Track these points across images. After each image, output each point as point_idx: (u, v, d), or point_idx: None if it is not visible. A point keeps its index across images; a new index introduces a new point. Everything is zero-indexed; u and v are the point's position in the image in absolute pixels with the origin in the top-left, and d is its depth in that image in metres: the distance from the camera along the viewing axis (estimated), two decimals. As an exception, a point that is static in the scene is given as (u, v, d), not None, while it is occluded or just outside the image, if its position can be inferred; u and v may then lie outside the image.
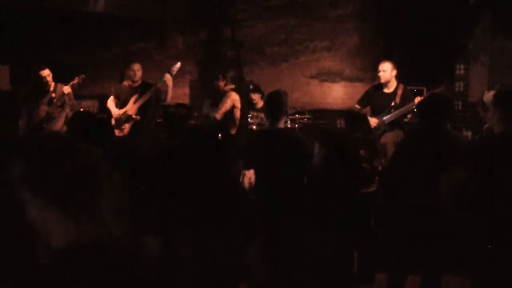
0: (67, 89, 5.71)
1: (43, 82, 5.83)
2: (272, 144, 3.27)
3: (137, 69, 5.55)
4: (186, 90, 7.58)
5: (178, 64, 5.60)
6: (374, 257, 3.44)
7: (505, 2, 5.94)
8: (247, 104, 5.95)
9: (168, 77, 5.42)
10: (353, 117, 3.79)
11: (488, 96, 3.85)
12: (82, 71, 6.07)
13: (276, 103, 3.33)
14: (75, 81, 5.92)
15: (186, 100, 7.49)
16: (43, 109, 5.71)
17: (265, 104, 3.39)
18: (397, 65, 5.01)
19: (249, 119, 5.63)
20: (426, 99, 3.63)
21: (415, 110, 4.72)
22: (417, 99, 4.69)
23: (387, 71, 4.95)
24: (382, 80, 5.00)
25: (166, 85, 5.44)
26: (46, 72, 5.85)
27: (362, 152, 3.34)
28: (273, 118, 3.31)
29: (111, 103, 5.68)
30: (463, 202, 2.70)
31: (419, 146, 3.14)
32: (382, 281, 3.33)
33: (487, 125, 3.78)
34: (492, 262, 2.63)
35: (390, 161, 3.45)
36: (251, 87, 6.06)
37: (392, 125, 4.95)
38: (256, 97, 5.86)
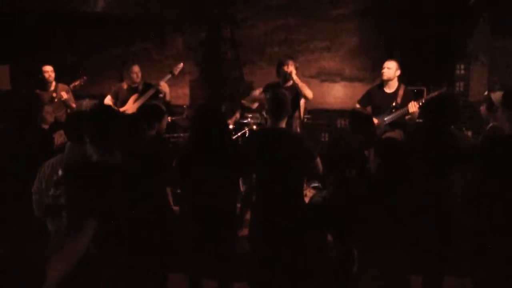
0: (64, 95, 5.76)
1: (44, 78, 5.87)
2: (272, 144, 3.26)
3: (138, 71, 5.61)
4: (186, 90, 7.58)
5: (181, 65, 5.69)
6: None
7: (505, 2, 5.94)
8: (241, 108, 5.96)
9: (162, 84, 5.48)
10: (357, 118, 3.79)
11: (496, 95, 3.86)
12: (83, 72, 6.09)
13: (280, 103, 3.32)
14: (77, 83, 5.96)
15: (186, 100, 7.49)
16: (47, 110, 5.74)
17: (269, 103, 3.37)
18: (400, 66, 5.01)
19: (249, 120, 5.63)
20: (432, 99, 3.62)
21: (409, 112, 4.74)
22: (411, 104, 4.70)
23: (391, 69, 4.94)
24: (385, 77, 4.98)
25: (163, 91, 5.50)
26: (48, 68, 5.88)
27: (366, 152, 3.34)
28: (276, 118, 3.30)
29: (108, 102, 5.70)
30: (472, 202, 2.70)
31: (421, 147, 3.14)
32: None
33: (490, 124, 3.79)
34: (495, 263, 2.64)
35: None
36: (241, 90, 6.07)
37: (393, 125, 4.95)
38: (246, 101, 5.87)
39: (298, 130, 5.04)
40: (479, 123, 5.81)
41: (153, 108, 3.79)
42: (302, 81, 5.11)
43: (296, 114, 5.16)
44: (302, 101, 5.30)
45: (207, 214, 3.12)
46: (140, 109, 4.44)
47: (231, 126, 5.70)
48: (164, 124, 3.80)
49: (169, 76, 5.61)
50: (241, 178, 4.18)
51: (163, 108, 3.85)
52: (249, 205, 3.36)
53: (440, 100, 3.33)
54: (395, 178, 2.88)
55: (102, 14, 6.73)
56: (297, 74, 5.18)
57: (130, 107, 5.49)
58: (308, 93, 5.12)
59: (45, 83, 5.93)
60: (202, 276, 3.30)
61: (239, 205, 3.43)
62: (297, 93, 5.03)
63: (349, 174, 3.31)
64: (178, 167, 3.24)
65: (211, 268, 3.28)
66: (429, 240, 3.09)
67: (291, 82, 5.10)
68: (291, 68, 5.08)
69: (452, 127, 3.19)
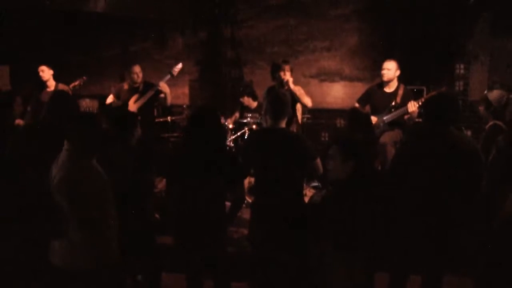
0: None
1: (40, 79, 5.88)
2: (272, 144, 3.26)
3: (139, 71, 5.59)
4: (186, 90, 7.59)
5: (180, 65, 5.67)
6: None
7: (505, 2, 5.95)
8: (240, 107, 5.96)
9: (162, 85, 5.46)
10: (355, 117, 3.78)
11: (493, 94, 3.88)
12: (82, 72, 6.10)
13: (280, 103, 3.32)
14: (76, 83, 5.97)
15: (185, 100, 7.50)
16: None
17: (269, 103, 3.37)
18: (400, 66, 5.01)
19: (248, 119, 5.63)
20: (432, 98, 3.62)
21: (409, 111, 4.74)
22: (411, 104, 4.70)
23: (391, 69, 4.95)
24: (385, 78, 4.99)
25: (164, 92, 5.50)
26: (40, 68, 5.88)
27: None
28: (276, 118, 3.30)
29: (110, 102, 5.71)
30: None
31: (422, 146, 3.14)
32: (383, 280, 3.33)
33: (491, 123, 3.81)
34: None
35: (392, 161, 3.44)
36: (240, 89, 6.07)
37: (392, 124, 4.96)
38: (245, 100, 5.87)
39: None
40: (479, 122, 5.82)
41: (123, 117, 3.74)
42: (302, 81, 5.12)
43: (293, 119, 5.17)
44: (299, 105, 5.31)
45: (194, 215, 3.11)
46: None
47: (230, 126, 5.70)
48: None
49: (168, 76, 5.61)
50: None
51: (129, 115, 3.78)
52: (238, 210, 3.36)
53: (439, 100, 3.33)
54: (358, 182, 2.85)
55: (102, 14, 6.73)
56: (293, 76, 5.18)
57: (131, 107, 5.49)
58: (307, 101, 5.12)
59: (44, 83, 5.94)
60: (200, 276, 3.30)
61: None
62: (292, 98, 5.04)
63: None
64: (168, 167, 3.25)
65: (207, 268, 3.29)
66: (429, 239, 3.09)
67: (286, 87, 5.11)
68: (287, 76, 5.08)
69: (452, 126, 3.19)
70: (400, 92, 4.96)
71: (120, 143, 3.37)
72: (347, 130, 3.79)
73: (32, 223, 2.87)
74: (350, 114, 3.82)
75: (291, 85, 5.05)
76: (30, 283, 2.91)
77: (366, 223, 2.77)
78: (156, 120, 6.10)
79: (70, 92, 5.93)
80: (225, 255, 3.34)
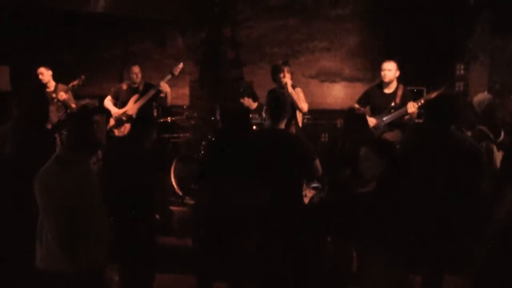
0: (63, 95, 5.74)
1: (40, 80, 5.89)
2: (271, 145, 3.26)
3: (138, 71, 5.59)
4: (186, 90, 7.58)
5: (181, 65, 5.68)
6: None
7: (505, 2, 5.94)
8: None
9: (163, 84, 5.47)
10: (352, 117, 3.79)
11: (476, 98, 3.84)
12: (81, 71, 6.10)
13: (279, 104, 3.33)
14: (75, 82, 5.96)
15: (186, 101, 7.50)
16: (51, 109, 5.74)
17: (269, 104, 3.38)
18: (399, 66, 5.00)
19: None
20: (432, 99, 3.62)
21: (408, 112, 4.72)
22: (410, 105, 4.69)
23: (392, 70, 4.93)
24: (386, 79, 4.97)
25: (164, 91, 5.50)
26: (40, 71, 5.89)
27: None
28: (275, 118, 3.30)
29: (108, 102, 5.69)
30: None
31: (423, 147, 3.14)
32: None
33: (479, 127, 3.79)
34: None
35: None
36: (241, 90, 6.06)
37: (392, 125, 4.95)
38: (246, 101, 5.86)
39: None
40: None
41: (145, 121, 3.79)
42: (302, 82, 5.11)
43: (292, 120, 5.16)
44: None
45: (226, 214, 3.13)
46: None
47: None
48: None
49: (169, 76, 5.61)
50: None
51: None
52: None
53: (440, 100, 3.33)
54: (395, 178, 2.87)
55: (102, 14, 6.73)
56: (293, 76, 5.16)
57: (131, 107, 5.50)
58: (303, 106, 5.12)
59: (41, 83, 5.94)
60: (213, 277, 3.32)
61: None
62: (292, 99, 5.03)
63: (344, 174, 3.31)
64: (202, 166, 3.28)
65: (225, 269, 3.30)
66: (429, 239, 3.09)
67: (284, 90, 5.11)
68: (286, 79, 5.08)
69: (452, 127, 3.19)
70: (400, 92, 4.96)
71: (135, 146, 3.39)
72: (344, 130, 3.80)
73: (18, 223, 2.87)
74: (346, 115, 3.83)
75: (289, 88, 5.05)
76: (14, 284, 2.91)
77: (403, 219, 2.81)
78: (156, 120, 6.10)
79: (70, 92, 5.93)
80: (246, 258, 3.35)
